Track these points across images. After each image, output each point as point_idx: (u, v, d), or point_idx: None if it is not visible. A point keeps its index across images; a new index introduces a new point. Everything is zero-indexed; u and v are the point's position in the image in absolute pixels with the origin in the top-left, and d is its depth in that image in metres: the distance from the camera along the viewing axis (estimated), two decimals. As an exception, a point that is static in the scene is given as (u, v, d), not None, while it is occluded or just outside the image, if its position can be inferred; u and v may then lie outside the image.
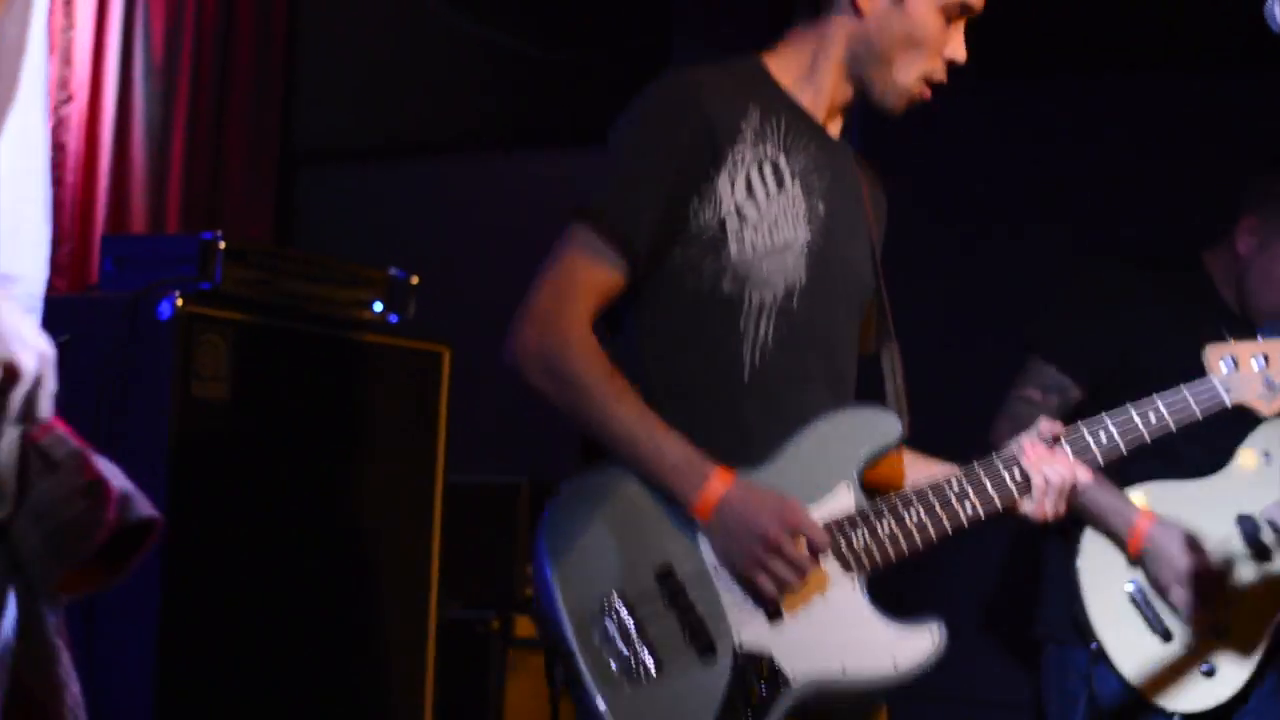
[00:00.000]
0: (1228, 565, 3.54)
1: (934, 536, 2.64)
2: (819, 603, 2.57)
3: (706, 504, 2.51)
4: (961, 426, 3.68)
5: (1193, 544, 3.49)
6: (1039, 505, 2.70)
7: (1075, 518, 3.59)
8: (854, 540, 2.59)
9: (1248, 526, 3.53)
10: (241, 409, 3.53)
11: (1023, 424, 3.60)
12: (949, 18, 2.69)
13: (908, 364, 3.79)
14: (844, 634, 2.57)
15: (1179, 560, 3.48)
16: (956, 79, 2.78)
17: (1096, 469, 2.77)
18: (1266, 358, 2.87)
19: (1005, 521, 2.77)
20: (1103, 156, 4.62)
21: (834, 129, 2.77)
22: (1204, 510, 3.57)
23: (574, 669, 2.47)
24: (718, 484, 2.51)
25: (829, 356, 2.71)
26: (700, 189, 2.57)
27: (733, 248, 2.57)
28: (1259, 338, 2.93)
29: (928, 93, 2.72)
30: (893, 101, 2.71)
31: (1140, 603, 3.55)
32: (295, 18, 5.50)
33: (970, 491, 2.67)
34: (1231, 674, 3.54)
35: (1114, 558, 3.57)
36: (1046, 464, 2.70)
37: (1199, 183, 4.38)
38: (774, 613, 2.54)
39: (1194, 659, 3.54)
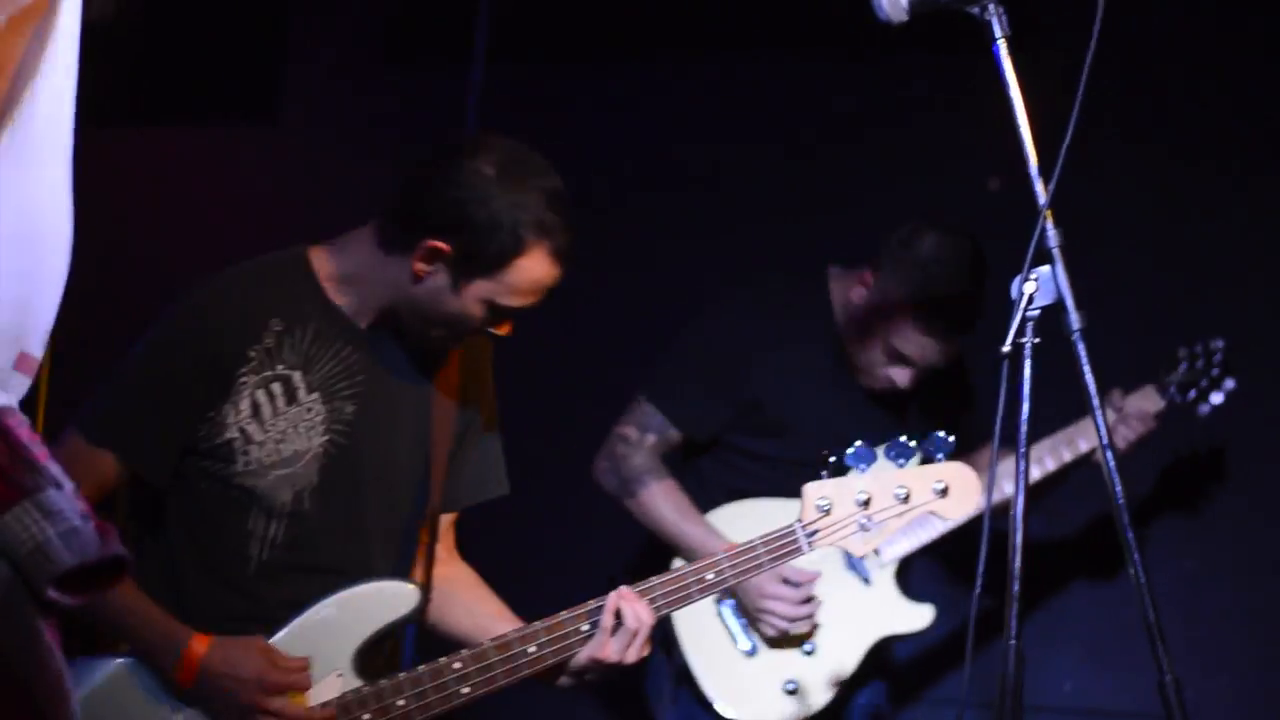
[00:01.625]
0: (820, 590, 3.57)
1: None
2: None
3: (188, 671, 2.59)
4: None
5: (786, 573, 3.51)
6: (605, 649, 2.74)
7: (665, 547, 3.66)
8: None
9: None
10: None
11: (619, 462, 3.62)
12: (496, 314, 2.74)
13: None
14: None
15: (767, 587, 3.50)
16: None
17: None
18: (868, 499, 2.79)
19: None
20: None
21: (378, 328, 2.80)
22: None
23: None
24: (196, 649, 2.60)
25: (352, 544, 2.79)
26: (204, 416, 2.68)
27: (239, 464, 2.70)
28: (850, 470, 2.80)
29: (452, 346, 2.83)
30: (415, 340, 2.80)
31: (725, 619, 3.60)
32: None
33: (471, 674, 2.71)
34: (815, 694, 3.59)
35: None
36: (627, 603, 2.75)
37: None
38: None
39: (777, 675, 3.59)
